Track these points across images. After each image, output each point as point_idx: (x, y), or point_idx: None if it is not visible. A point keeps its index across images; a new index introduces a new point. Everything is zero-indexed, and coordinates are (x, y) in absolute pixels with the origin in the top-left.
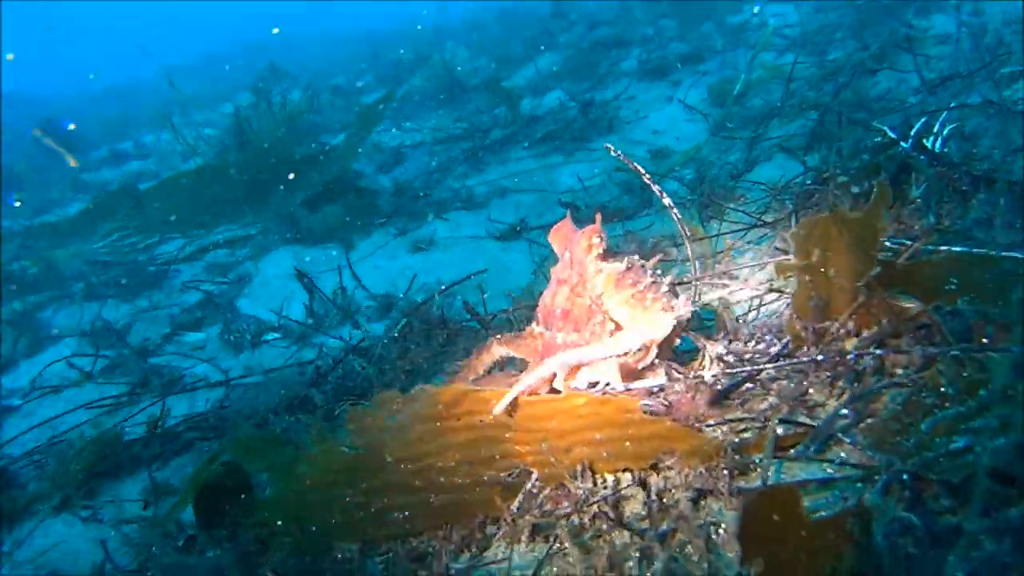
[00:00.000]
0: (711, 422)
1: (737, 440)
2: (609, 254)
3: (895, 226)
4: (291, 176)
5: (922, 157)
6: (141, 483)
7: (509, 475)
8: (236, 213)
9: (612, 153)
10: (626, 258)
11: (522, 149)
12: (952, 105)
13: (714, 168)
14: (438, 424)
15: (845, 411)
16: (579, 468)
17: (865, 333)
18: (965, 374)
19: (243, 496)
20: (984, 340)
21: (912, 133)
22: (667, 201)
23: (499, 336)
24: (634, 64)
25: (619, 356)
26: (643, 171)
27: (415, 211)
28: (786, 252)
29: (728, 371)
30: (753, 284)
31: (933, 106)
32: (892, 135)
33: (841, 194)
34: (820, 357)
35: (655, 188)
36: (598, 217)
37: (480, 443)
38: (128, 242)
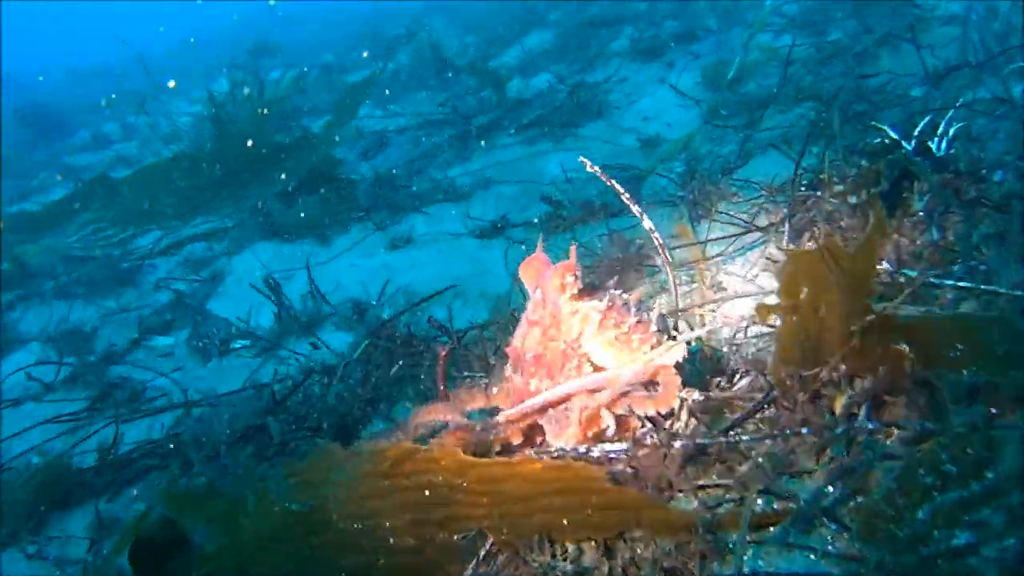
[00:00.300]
0: (683, 488)
1: (710, 516)
2: (586, 292)
3: (895, 239)
4: (270, 165)
5: (926, 162)
6: (91, 515)
7: (463, 537)
8: (214, 203)
9: (588, 168)
10: (607, 295)
11: (508, 136)
12: (959, 103)
13: (705, 161)
14: (386, 482)
15: (831, 488)
16: (537, 537)
17: (859, 384)
18: (969, 451)
19: (180, 550)
20: (993, 411)
21: (916, 133)
22: (648, 224)
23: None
24: (626, 44)
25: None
26: (620, 189)
27: (395, 203)
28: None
29: (700, 440)
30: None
31: (938, 99)
32: (893, 135)
33: (837, 204)
34: (804, 430)
35: (635, 209)
36: (572, 251)
37: (431, 503)
38: (103, 235)
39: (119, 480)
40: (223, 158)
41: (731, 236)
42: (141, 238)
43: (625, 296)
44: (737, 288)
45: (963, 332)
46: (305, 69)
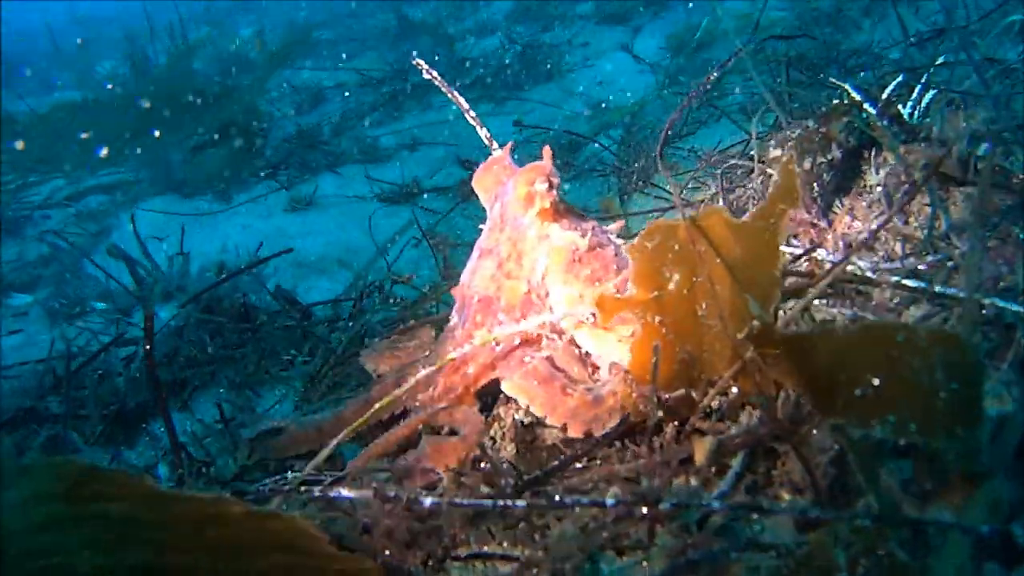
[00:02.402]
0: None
1: None
2: (563, 209)
3: (845, 221)
4: (189, 114)
5: (892, 127)
6: None
7: None
8: (126, 153)
9: (426, 74)
10: (591, 226)
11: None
12: (939, 61)
13: (650, 129)
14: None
15: None
16: None
17: (729, 430)
18: (881, 553)
19: None
20: (926, 488)
21: (883, 97)
22: (462, 103)
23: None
24: (591, 8)
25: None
26: (437, 77)
27: (307, 161)
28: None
29: (483, 499)
30: None
31: (919, 62)
32: (855, 95)
33: (772, 174)
34: (666, 505)
35: (448, 91)
36: (547, 152)
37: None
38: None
39: None
40: (138, 106)
41: (655, 211)
42: (42, 186)
43: (605, 228)
44: None
45: (887, 357)
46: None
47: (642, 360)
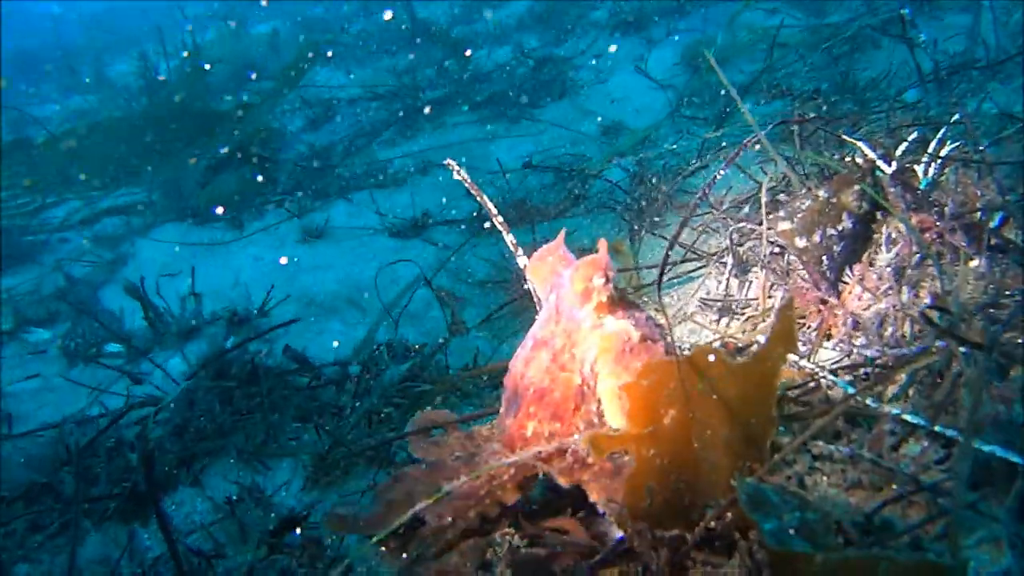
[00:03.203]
0: None
1: None
2: (618, 298)
3: (858, 302)
4: (203, 133)
5: (905, 194)
6: None
7: None
8: (140, 173)
9: (456, 175)
10: (644, 316)
11: (461, 113)
12: (955, 119)
13: (665, 159)
14: None
15: None
16: None
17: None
18: None
19: None
20: None
21: (897, 154)
22: (510, 239)
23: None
24: (605, 15)
25: None
26: (490, 205)
27: (319, 188)
28: (711, 306)
29: None
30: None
31: (934, 104)
32: (870, 152)
33: (783, 247)
34: None
35: (496, 219)
36: (602, 245)
37: None
38: (17, 203)
39: None
40: (154, 124)
41: (666, 264)
42: (58, 208)
43: (654, 318)
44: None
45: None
46: (278, 28)
47: (637, 493)
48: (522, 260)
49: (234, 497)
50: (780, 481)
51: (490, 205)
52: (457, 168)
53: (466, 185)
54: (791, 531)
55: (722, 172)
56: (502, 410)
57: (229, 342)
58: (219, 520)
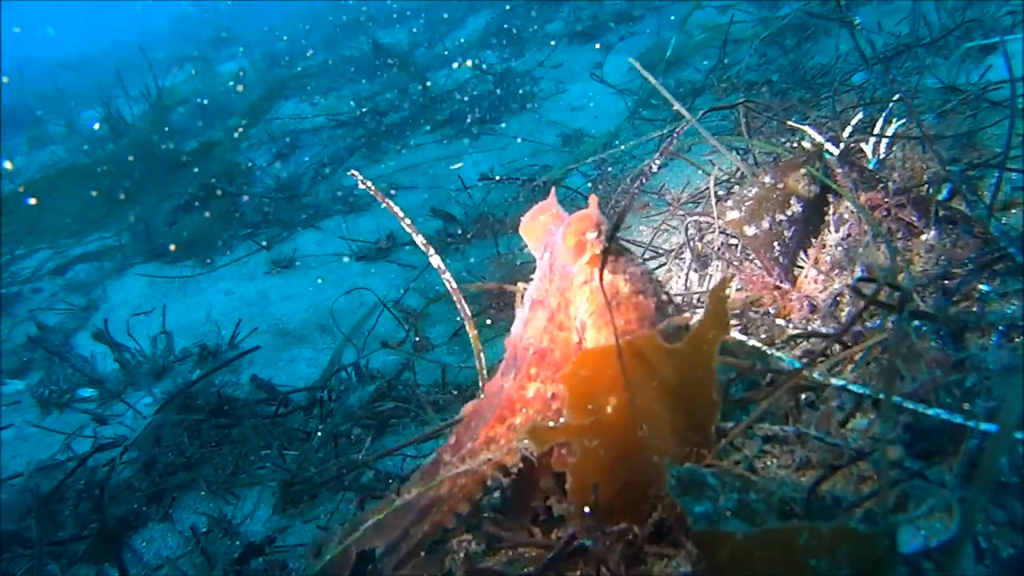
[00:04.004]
0: None
1: None
2: (613, 254)
3: (813, 281)
4: (171, 174)
5: (852, 173)
6: None
7: None
8: (109, 219)
9: (361, 184)
10: (640, 271)
11: (424, 133)
12: (896, 97)
13: (624, 162)
14: None
15: None
16: None
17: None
18: None
19: None
20: None
21: (845, 136)
22: (436, 262)
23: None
24: (561, 26)
25: None
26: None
27: (286, 218)
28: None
29: None
30: None
31: (879, 85)
32: (818, 136)
33: (731, 235)
34: None
35: (419, 241)
36: (592, 200)
37: None
38: None
39: None
40: (122, 169)
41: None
42: (29, 259)
43: (649, 269)
44: None
45: (789, 562)
46: (244, 66)
47: (582, 485)
48: (447, 277)
49: (203, 529)
50: (727, 465)
51: (407, 224)
52: (362, 179)
53: (394, 212)
54: (727, 513)
55: (657, 161)
56: (498, 373)
57: (195, 375)
58: (186, 553)
